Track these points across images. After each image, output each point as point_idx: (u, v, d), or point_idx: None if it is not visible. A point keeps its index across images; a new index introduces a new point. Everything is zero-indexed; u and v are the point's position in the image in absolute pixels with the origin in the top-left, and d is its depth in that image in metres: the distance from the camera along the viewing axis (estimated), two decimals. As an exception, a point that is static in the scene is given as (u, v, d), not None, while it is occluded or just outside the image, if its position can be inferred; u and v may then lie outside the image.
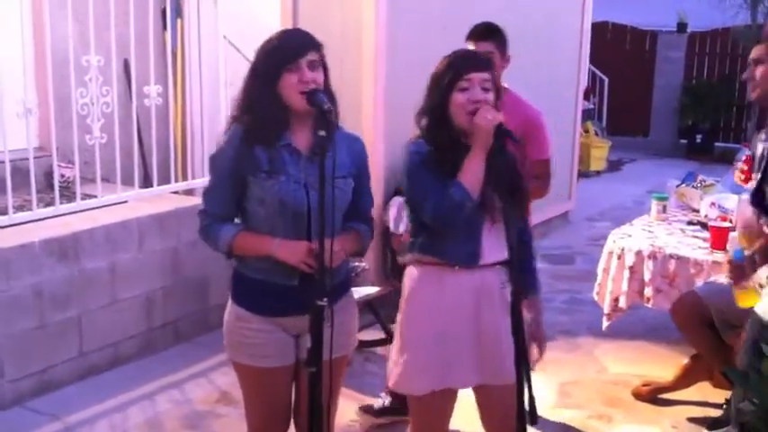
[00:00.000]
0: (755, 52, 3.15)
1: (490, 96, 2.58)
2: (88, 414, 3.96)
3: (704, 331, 3.84)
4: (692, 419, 3.94)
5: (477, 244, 2.59)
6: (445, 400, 2.74)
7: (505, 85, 3.59)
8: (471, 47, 3.50)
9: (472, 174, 2.53)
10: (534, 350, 2.73)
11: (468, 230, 2.59)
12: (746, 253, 2.78)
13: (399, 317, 2.75)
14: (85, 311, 4.31)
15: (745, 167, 3.28)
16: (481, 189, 2.55)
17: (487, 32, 3.62)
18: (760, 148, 2.76)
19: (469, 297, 2.64)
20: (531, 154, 3.50)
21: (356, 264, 4.50)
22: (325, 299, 2.31)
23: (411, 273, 2.73)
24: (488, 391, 2.71)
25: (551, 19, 7.17)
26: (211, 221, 2.58)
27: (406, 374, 2.70)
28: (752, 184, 2.73)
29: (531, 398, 2.34)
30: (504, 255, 2.57)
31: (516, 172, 2.67)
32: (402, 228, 5.16)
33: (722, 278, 3.89)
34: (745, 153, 3.50)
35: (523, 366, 2.33)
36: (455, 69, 2.60)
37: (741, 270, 2.77)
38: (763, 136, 2.87)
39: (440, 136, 2.62)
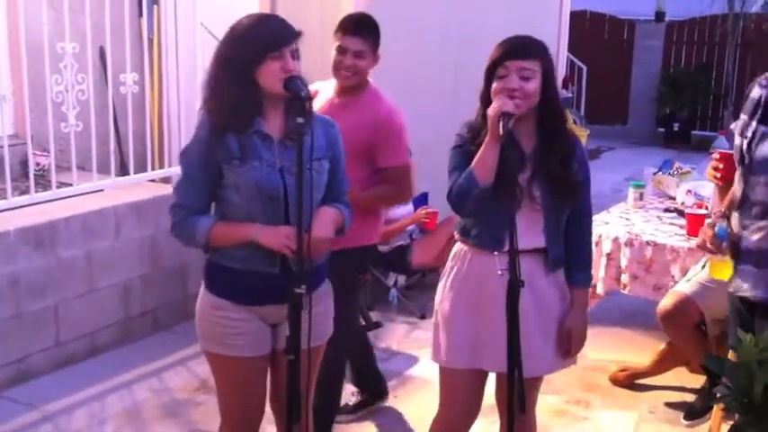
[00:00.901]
0: None
1: (529, 85, 2.51)
2: (66, 403, 3.94)
3: (694, 334, 3.84)
4: (668, 404, 3.98)
5: (502, 230, 2.50)
6: (475, 380, 2.74)
7: (371, 80, 3.44)
8: (338, 42, 3.32)
9: (482, 162, 2.52)
10: (570, 345, 2.71)
11: (494, 216, 2.55)
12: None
13: (438, 291, 2.78)
14: (62, 300, 4.28)
15: (720, 166, 3.22)
16: (514, 176, 2.51)
17: (358, 26, 3.34)
18: (756, 92, 2.74)
19: (500, 282, 2.57)
20: (383, 159, 3.35)
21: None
22: (303, 286, 2.30)
23: (454, 250, 2.76)
24: (504, 383, 2.64)
25: (530, 7, 7.18)
26: (185, 215, 2.53)
27: (440, 348, 2.73)
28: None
29: (521, 388, 2.34)
30: (542, 242, 2.60)
31: (561, 160, 2.60)
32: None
33: (698, 267, 3.92)
34: (720, 148, 3.48)
35: (514, 357, 2.33)
36: (495, 57, 2.56)
37: (719, 246, 2.80)
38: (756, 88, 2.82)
39: (483, 123, 2.60)
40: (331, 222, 2.56)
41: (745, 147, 2.70)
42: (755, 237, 2.69)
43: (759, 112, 2.67)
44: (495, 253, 2.54)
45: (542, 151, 2.60)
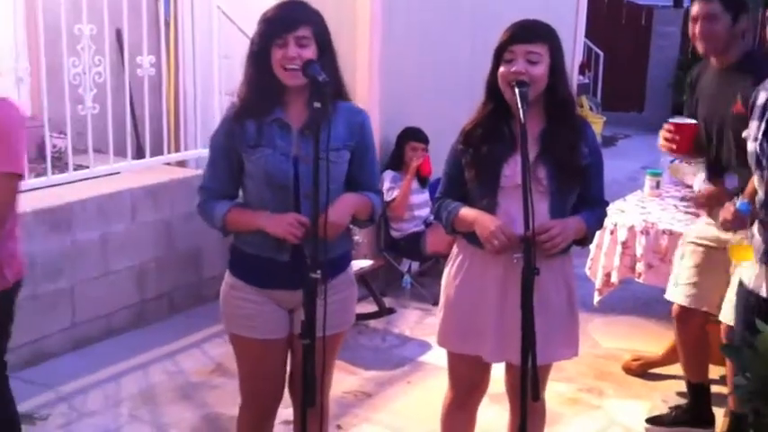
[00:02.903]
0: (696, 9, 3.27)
1: (536, 69, 2.49)
2: (81, 384, 3.97)
3: (696, 339, 3.75)
4: (681, 393, 3.96)
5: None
6: (477, 368, 2.75)
7: None
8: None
9: (463, 224, 2.63)
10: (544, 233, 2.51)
11: (487, 208, 2.59)
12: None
13: (443, 276, 2.80)
14: (78, 282, 4.30)
15: (675, 137, 3.26)
16: (517, 163, 2.49)
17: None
18: (762, 97, 2.72)
19: (500, 269, 2.61)
20: None
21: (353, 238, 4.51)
22: (318, 271, 2.31)
23: (459, 238, 2.76)
24: (513, 369, 2.68)
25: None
26: (208, 198, 2.59)
27: (443, 331, 2.78)
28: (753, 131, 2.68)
29: (535, 376, 2.34)
30: None
31: (569, 144, 2.59)
32: (393, 194, 5.18)
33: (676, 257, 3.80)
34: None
35: (528, 346, 2.32)
36: (502, 41, 2.54)
37: (743, 222, 2.74)
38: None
39: (485, 110, 2.63)
40: (349, 208, 2.54)
41: (758, 150, 2.64)
42: None
43: (767, 114, 2.62)
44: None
45: (549, 135, 2.58)
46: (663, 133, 3.36)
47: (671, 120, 3.40)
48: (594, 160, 2.66)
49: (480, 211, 2.59)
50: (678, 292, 3.68)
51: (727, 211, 2.80)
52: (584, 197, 2.67)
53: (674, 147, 3.34)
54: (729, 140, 3.29)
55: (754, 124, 2.66)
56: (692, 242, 3.60)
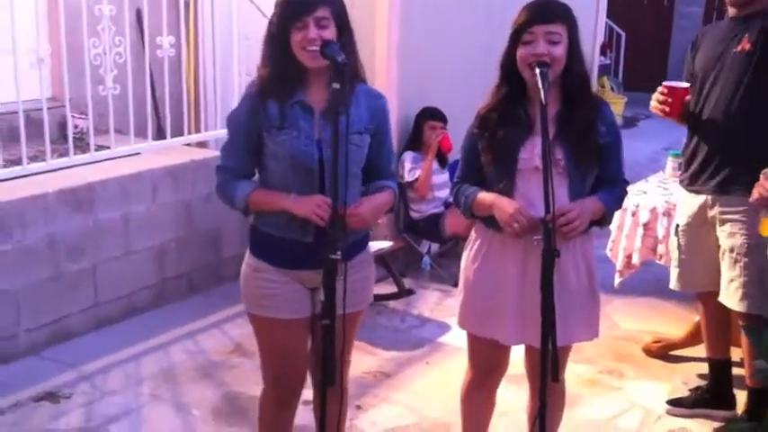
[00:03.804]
0: None
1: (557, 50, 2.47)
2: (103, 363, 4.01)
3: (725, 312, 3.72)
4: (702, 375, 3.94)
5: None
6: (496, 350, 2.75)
7: None
8: None
9: (481, 207, 2.63)
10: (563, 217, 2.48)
11: (505, 191, 2.58)
12: None
13: (462, 259, 2.80)
14: (100, 262, 4.34)
15: (669, 99, 3.32)
16: (537, 146, 2.50)
17: None
18: None
19: (519, 252, 2.60)
20: None
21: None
22: (338, 252, 2.31)
23: (477, 222, 2.76)
24: (532, 352, 2.68)
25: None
26: (228, 177, 2.58)
27: (463, 313, 2.79)
28: None
29: (555, 358, 2.33)
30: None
31: (586, 126, 2.57)
32: (416, 174, 5.17)
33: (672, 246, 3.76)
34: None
35: (549, 329, 2.31)
36: (520, 22, 2.51)
37: None
38: None
39: (500, 93, 2.61)
40: (380, 211, 2.63)
41: None
42: None
43: None
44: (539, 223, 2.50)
45: (565, 115, 2.56)
46: (656, 96, 3.37)
47: (665, 83, 3.40)
48: (613, 139, 2.64)
49: (498, 195, 2.58)
50: (672, 276, 3.71)
51: (762, 187, 2.77)
52: (602, 177, 2.65)
53: (667, 109, 3.38)
54: (724, 85, 3.30)
55: None
56: (683, 229, 3.58)
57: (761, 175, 2.85)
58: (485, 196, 2.62)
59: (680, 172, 3.76)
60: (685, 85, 3.44)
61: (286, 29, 2.43)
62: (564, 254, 2.45)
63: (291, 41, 2.43)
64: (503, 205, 2.54)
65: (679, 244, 3.61)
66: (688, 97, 3.42)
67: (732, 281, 3.36)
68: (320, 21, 2.41)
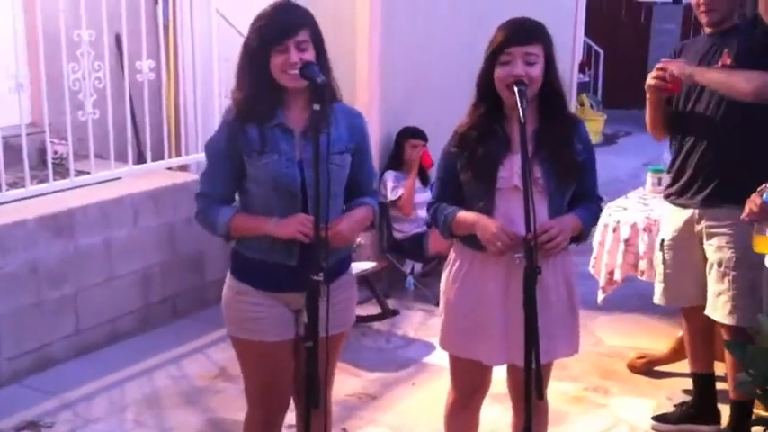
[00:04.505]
0: None
1: (534, 70, 2.49)
2: (86, 391, 3.97)
3: (709, 327, 3.72)
4: (687, 391, 3.95)
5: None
6: (478, 370, 2.75)
7: None
8: None
9: (461, 227, 2.63)
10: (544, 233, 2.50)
11: (484, 210, 2.59)
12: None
13: (442, 280, 2.79)
14: (82, 288, 4.30)
15: (661, 73, 3.34)
16: (515, 165, 2.52)
17: None
18: None
19: (500, 271, 2.61)
20: None
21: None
22: (320, 273, 2.31)
23: (456, 242, 2.75)
24: (515, 370, 2.68)
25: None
26: (209, 203, 2.56)
27: (444, 334, 2.78)
28: None
29: (539, 375, 2.34)
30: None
31: (562, 139, 2.60)
32: (399, 193, 5.18)
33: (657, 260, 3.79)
34: None
35: (532, 346, 2.31)
36: (498, 42, 2.53)
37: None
38: None
39: (477, 112, 2.63)
40: (360, 225, 2.62)
41: None
42: None
43: None
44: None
45: (543, 133, 2.57)
46: (654, 73, 3.35)
47: (663, 60, 3.41)
48: (588, 156, 2.68)
49: (479, 214, 2.59)
50: (657, 291, 3.72)
51: (752, 203, 2.80)
52: (578, 193, 2.68)
53: (669, 85, 3.32)
54: (708, 100, 3.33)
55: None
56: (669, 243, 3.60)
57: (754, 194, 2.88)
58: (465, 215, 2.62)
59: (663, 187, 3.79)
60: (682, 61, 3.41)
61: (266, 52, 2.43)
62: (544, 270, 2.45)
63: (271, 64, 2.43)
64: (485, 224, 2.55)
65: (664, 259, 3.63)
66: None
67: (720, 294, 3.37)
68: (300, 44, 2.42)
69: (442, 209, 2.69)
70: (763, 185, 2.86)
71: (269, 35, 2.43)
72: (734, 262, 3.32)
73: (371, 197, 2.70)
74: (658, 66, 3.38)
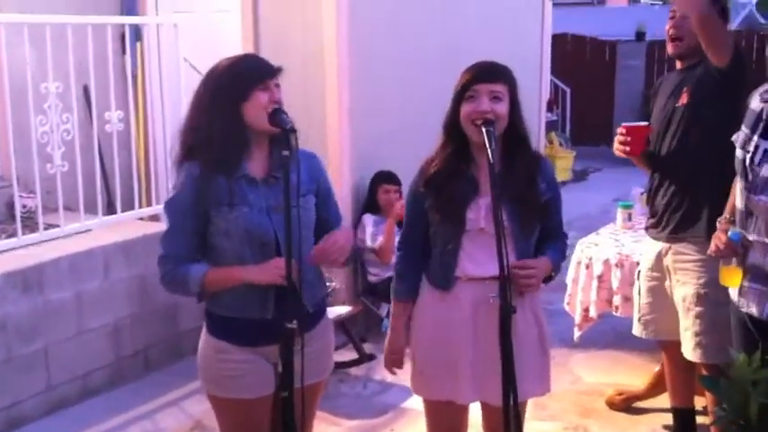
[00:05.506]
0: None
1: (500, 107, 2.52)
2: (58, 448, 3.88)
3: (689, 371, 3.71)
4: (667, 426, 3.94)
5: (451, 270, 2.61)
6: (453, 412, 2.72)
7: None
8: None
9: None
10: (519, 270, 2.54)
11: (444, 255, 2.60)
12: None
13: (411, 324, 2.78)
14: (52, 343, 4.23)
15: (628, 139, 3.44)
16: (482, 206, 2.55)
17: None
18: (756, 103, 2.76)
19: (468, 311, 2.61)
20: None
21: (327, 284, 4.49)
22: (294, 321, 2.28)
23: (423, 281, 2.74)
24: (489, 410, 2.68)
25: (512, 31, 7.23)
26: (175, 265, 2.48)
27: (415, 380, 2.77)
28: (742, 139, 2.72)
29: (518, 413, 2.32)
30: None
31: (526, 179, 2.61)
32: (378, 241, 5.16)
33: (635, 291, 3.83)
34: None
35: (510, 385, 2.30)
36: (464, 81, 2.57)
37: (734, 250, 2.77)
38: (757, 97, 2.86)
39: (445, 152, 2.65)
40: (348, 236, 2.57)
41: (747, 161, 2.67)
42: (761, 253, 2.65)
43: (761, 126, 2.65)
44: (487, 282, 2.53)
45: (507, 173, 2.58)
46: (617, 137, 3.47)
47: (623, 124, 3.50)
48: (553, 195, 2.71)
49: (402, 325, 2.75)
50: (638, 326, 3.74)
51: (719, 239, 2.82)
52: (544, 231, 2.70)
53: (628, 149, 3.47)
54: (671, 139, 3.41)
55: (744, 131, 2.69)
56: (645, 274, 3.63)
57: (717, 224, 2.91)
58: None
59: (632, 222, 3.82)
60: (644, 123, 3.54)
61: (245, 92, 2.41)
62: (517, 310, 2.45)
63: (249, 105, 2.41)
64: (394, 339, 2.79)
65: (641, 291, 3.65)
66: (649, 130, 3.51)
67: (686, 330, 3.39)
68: (277, 87, 2.47)
69: (407, 277, 2.76)
70: (722, 218, 2.90)
71: (253, 73, 2.45)
72: (696, 298, 3.35)
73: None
74: (620, 130, 3.49)
